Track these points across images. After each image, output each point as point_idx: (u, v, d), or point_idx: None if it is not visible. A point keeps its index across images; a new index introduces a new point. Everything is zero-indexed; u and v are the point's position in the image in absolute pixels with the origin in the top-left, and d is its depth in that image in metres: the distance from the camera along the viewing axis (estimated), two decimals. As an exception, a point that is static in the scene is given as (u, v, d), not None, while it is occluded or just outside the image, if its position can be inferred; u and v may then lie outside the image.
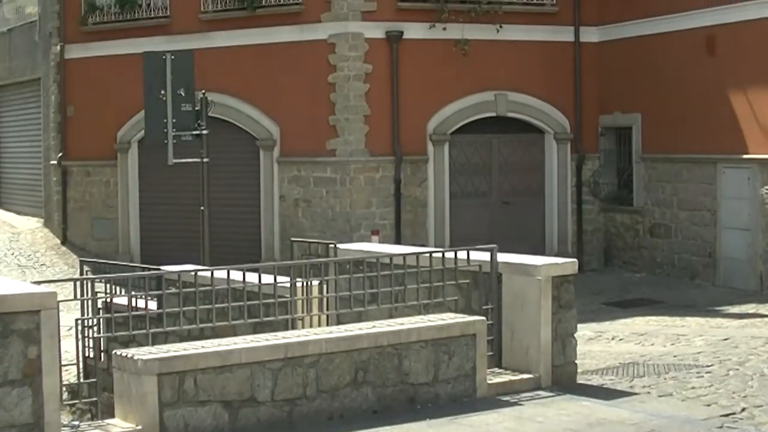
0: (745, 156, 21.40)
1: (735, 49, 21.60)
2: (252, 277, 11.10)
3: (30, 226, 30.56)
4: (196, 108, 18.46)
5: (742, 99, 21.53)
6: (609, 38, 25.03)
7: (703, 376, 12.45)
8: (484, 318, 11.13)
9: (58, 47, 27.50)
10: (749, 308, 19.39)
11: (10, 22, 34.56)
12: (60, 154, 27.65)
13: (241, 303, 10.59)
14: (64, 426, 9.09)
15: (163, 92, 18.15)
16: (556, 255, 23.36)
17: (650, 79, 23.76)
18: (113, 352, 9.57)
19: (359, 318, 11.35)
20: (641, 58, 23.99)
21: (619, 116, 24.88)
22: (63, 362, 9.07)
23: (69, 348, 11.67)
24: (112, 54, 26.28)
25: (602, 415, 10.27)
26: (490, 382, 11.00)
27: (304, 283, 11.82)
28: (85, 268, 16.02)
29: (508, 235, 22.45)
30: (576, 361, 11.70)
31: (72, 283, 11.02)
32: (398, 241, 23.16)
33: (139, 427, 9.04)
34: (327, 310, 11.83)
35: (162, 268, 13.93)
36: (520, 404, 10.67)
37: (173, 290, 10.64)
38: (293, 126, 24.06)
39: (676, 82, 23.09)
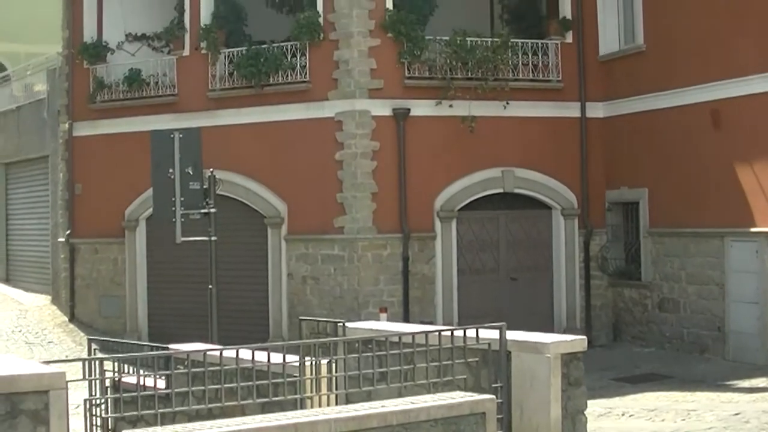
0: (752, 229, 21.38)
1: (740, 122, 21.66)
2: (261, 356, 11.05)
3: (37, 303, 30.53)
4: (204, 186, 18.44)
5: (748, 172, 21.54)
6: (615, 113, 25.13)
7: (714, 453, 12.37)
8: (493, 396, 11.05)
9: (67, 125, 27.66)
10: (760, 382, 19.28)
11: (19, 100, 34.74)
12: (68, 232, 27.70)
13: (250, 382, 10.54)
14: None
15: (171, 170, 18.15)
16: (565, 330, 23.41)
17: (656, 153, 23.83)
18: (122, 431, 9.52)
19: (368, 397, 11.29)
20: (647, 133, 24.08)
21: (626, 191, 24.91)
22: (71, 442, 9.02)
23: (77, 427, 11.60)
24: (120, 132, 26.45)
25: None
26: (500, 460, 10.92)
27: (313, 363, 11.75)
28: (93, 346, 15.96)
29: (516, 311, 22.47)
30: (587, 439, 11.62)
31: (80, 360, 10.97)
32: (407, 318, 23.12)
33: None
34: (336, 389, 11.77)
35: (170, 346, 13.89)
36: (531, 483, 10.59)
37: (182, 369, 10.59)
38: (301, 203, 24.15)
39: (682, 157, 23.14)
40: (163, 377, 12.08)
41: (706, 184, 22.50)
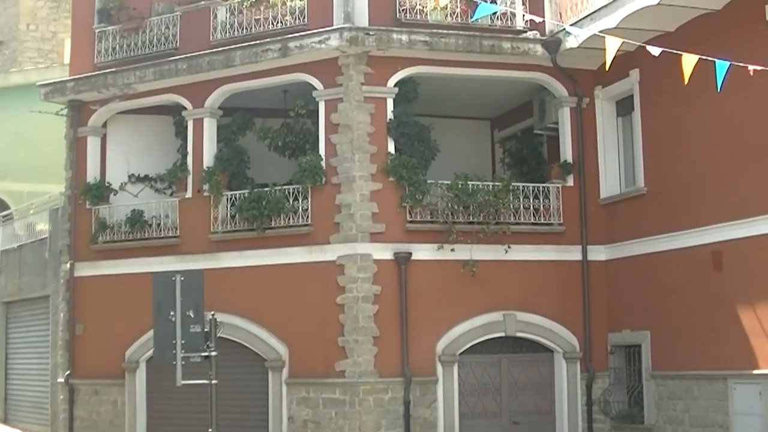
0: (755, 371, 21.23)
1: (742, 264, 21.64)
2: None
3: (36, 444, 30.29)
4: (206, 329, 18.48)
5: (750, 314, 21.46)
6: (616, 256, 25.16)
7: None
8: None
9: (68, 265, 27.67)
10: None
11: (21, 239, 34.86)
12: (67, 372, 27.52)
13: None
14: None
15: (172, 313, 18.24)
16: (568, 476, 23.20)
17: (658, 296, 23.79)
18: None
19: None
20: (649, 276, 24.07)
21: (628, 334, 24.81)
22: None
23: None
24: (122, 273, 26.44)
25: None
26: None
27: None
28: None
29: (519, 456, 22.30)
30: None
31: None
32: (408, 463, 22.97)
33: None
34: None
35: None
36: None
37: None
38: (302, 347, 24.07)
39: (684, 299, 23.09)
40: None
41: (709, 327, 22.42)
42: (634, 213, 24.63)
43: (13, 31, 44.06)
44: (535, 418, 24.91)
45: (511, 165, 27.90)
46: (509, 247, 24.35)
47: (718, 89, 18.32)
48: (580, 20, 23.82)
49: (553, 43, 24.92)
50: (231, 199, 25.21)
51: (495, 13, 24.61)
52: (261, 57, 24.76)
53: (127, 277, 26.17)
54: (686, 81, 18.10)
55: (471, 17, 24.22)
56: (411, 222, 24.06)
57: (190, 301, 18.40)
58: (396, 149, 24.29)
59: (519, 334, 24.74)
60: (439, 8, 24.49)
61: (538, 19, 24.05)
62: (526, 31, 25.30)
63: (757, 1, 20.85)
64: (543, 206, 25.08)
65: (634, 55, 23.07)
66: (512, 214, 24.73)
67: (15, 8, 44.28)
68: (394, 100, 24.45)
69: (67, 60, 32.85)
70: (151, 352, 22.34)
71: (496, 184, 24.89)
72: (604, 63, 19.68)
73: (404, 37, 24.16)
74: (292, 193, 24.46)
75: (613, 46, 18.85)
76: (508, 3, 25.33)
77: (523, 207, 24.89)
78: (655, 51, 18.91)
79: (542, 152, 27.55)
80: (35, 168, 38.25)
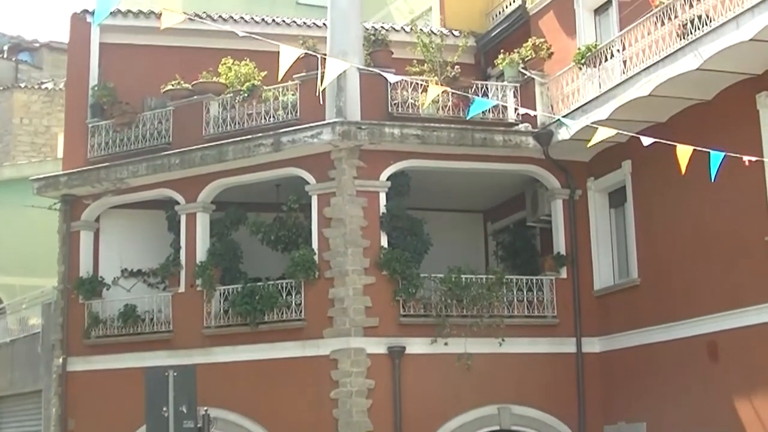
0: (750, 464, 21.13)
1: (737, 355, 21.54)
2: None
3: None
4: (199, 425, 18.38)
5: (747, 405, 21.33)
6: (611, 348, 25.06)
7: None
8: None
9: (61, 359, 27.50)
10: None
11: (13, 333, 34.66)
12: (58, 468, 27.31)
13: None
14: None
15: (165, 408, 18.16)
16: None
17: (654, 387, 23.65)
18: None
19: None
20: (644, 367, 23.95)
21: (624, 426, 24.62)
22: None
23: None
24: (115, 367, 26.33)
25: None
26: None
27: None
28: None
29: None
30: None
31: None
32: None
33: None
34: None
35: None
36: None
37: None
38: (296, 442, 23.94)
39: (680, 390, 22.96)
40: None
41: (705, 418, 22.24)
42: (628, 304, 24.60)
43: (7, 125, 44.23)
44: None
45: (504, 257, 27.93)
46: (503, 340, 24.32)
47: (712, 179, 18.37)
48: (572, 112, 23.99)
49: (545, 136, 25.08)
50: (224, 293, 25.19)
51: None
52: (254, 151, 24.90)
53: (120, 372, 26.02)
54: (683, 171, 18.13)
55: (462, 111, 24.45)
56: (404, 316, 24.05)
57: (183, 397, 18.32)
58: (389, 243, 24.35)
59: (514, 428, 24.60)
60: (430, 103, 24.63)
61: (532, 113, 24.20)
62: (518, 124, 25.47)
63: (749, 90, 21.03)
64: (537, 299, 25.08)
65: (625, 146, 23.25)
66: (506, 307, 24.75)
67: (8, 102, 44.51)
68: (387, 194, 24.58)
69: (60, 154, 33.03)
70: (143, 447, 22.16)
71: (490, 277, 24.95)
72: (596, 153, 19.75)
73: (396, 131, 24.33)
74: (285, 288, 24.45)
75: (604, 132, 18.94)
76: (500, 96, 25.55)
77: (517, 300, 24.90)
78: (647, 141, 19.01)
79: (535, 244, 27.61)
80: (28, 262, 38.15)
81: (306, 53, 16.94)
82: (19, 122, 44.36)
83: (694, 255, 22.66)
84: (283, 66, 15.01)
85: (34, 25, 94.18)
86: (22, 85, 46.08)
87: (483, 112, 24.85)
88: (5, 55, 50.39)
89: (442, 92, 23.50)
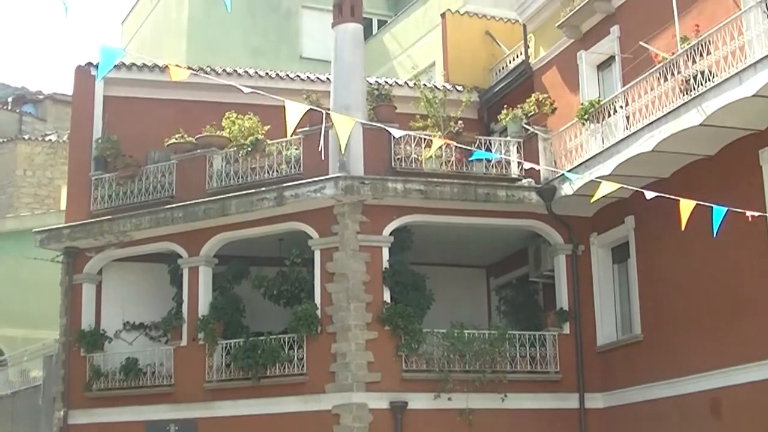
0: None
1: (741, 411, 21.40)
2: None
3: None
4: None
5: (750, 463, 21.25)
6: (614, 404, 24.94)
7: None
8: None
9: (62, 412, 27.34)
10: None
11: (15, 385, 34.60)
12: None
13: None
14: None
15: (166, 465, 18.10)
16: None
17: (658, 444, 23.59)
18: None
19: None
20: (647, 423, 23.80)
21: (627, 480, 24.55)
22: None
23: None
24: (116, 421, 26.15)
25: None
26: None
27: None
28: None
29: None
30: None
31: None
32: None
33: None
34: None
35: None
36: None
37: None
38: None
39: (683, 446, 22.88)
40: None
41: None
42: (631, 360, 24.50)
43: (10, 177, 44.35)
44: None
45: (506, 313, 27.85)
46: (506, 395, 24.21)
47: (714, 234, 18.32)
48: (575, 167, 23.96)
49: (548, 191, 25.10)
50: (226, 347, 25.11)
51: (490, 161, 24.86)
52: (257, 206, 24.92)
53: (121, 425, 25.90)
54: (683, 226, 18.08)
55: (465, 166, 24.50)
56: (407, 371, 23.97)
57: (185, 451, 18.25)
58: (392, 298, 24.32)
59: (516, 483, 24.48)
60: (434, 156, 24.68)
61: (536, 167, 24.24)
62: (521, 179, 25.50)
63: (751, 146, 21.07)
64: (539, 354, 25.02)
65: (628, 202, 23.27)
66: (509, 363, 24.68)
67: (12, 154, 44.66)
68: (390, 249, 24.56)
69: (63, 206, 33.02)
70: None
71: (492, 332, 24.88)
72: (599, 208, 19.67)
73: (399, 186, 24.37)
74: (288, 342, 24.39)
75: (607, 186, 18.93)
76: (503, 151, 25.57)
77: (520, 355, 24.84)
78: (650, 195, 18.98)
79: (538, 300, 27.56)
80: (30, 314, 38.12)
81: (311, 108, 16.93)
82: (22, 174, 44.48)
83: (698, 310, 22.61)
84: (291, 122, 15.02)
85: (38, 76, 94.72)
86: (26, 136, 46.29)
87: (486, 167, 24.94)
88: (9, 107, 50.63)
89: (445, 147, 23.52)
